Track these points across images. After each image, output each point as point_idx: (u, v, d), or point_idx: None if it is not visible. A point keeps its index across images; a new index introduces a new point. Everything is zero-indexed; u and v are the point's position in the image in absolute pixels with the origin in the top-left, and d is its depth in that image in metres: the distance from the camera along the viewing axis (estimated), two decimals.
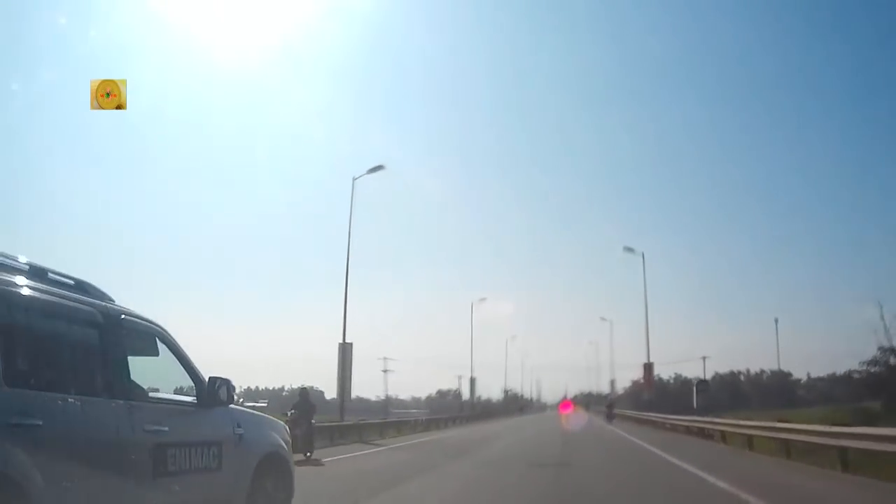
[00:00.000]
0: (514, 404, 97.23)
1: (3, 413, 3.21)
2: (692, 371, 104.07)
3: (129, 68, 67.65)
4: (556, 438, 24.34)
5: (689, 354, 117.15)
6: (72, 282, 4.24)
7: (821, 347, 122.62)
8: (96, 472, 3.73)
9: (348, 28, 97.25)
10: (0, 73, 70.45)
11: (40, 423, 3.37)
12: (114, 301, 4.54)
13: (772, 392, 76.77)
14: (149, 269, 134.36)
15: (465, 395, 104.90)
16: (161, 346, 4.95)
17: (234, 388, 5.41)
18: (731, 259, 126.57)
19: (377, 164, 30.40)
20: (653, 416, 36.95)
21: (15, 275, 3.73)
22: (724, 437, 19.72)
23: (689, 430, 25.31)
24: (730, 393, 77.50)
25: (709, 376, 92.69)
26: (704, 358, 79.61)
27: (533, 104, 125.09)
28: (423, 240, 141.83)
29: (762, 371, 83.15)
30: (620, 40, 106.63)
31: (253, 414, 6.04)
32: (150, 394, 4.77)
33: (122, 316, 4.46)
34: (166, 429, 4.42)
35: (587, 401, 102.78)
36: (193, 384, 5.19)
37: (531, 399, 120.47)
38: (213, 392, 5.10)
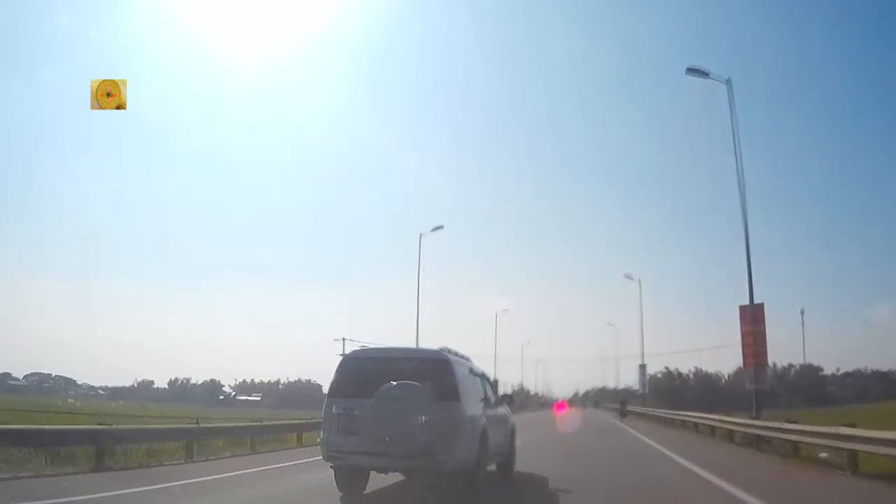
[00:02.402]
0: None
1: (486, 413, 9.57)
2: (713, 363, 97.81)
3: (133, 68, 65.69)
4: None
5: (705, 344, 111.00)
6: (467, 357, 10.34)
7: (842, 341, 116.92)
8: (498, 428, 10.30)
9: (357, 28, 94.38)
10: (1, 73, 68.64)
11: (489, 414, 9.80)
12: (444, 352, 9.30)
13: (800, 388, 71.33)
14: (147, 268, 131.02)
15: None
16: (482, 377, 10.79)
17: (511, 397, 16.15)
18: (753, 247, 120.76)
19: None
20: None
21: (470, 363, 10.23)
22: None
23: None
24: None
25: (732, 370, 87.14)
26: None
27: (551, 105, 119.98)
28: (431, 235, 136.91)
29: (790, 365, 77.27)
30: (637, 42, 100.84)
31: (508, 408, 12.60)
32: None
33: (483, 371, 10.96)
34: (500, 412, 11.09)
35: (598, 397, 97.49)
36: (494, 393, 11.47)
37: (537, 394, 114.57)
38: (503, 398, 12.49)
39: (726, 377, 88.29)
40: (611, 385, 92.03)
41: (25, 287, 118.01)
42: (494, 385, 12.59)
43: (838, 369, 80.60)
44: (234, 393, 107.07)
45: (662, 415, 37.07)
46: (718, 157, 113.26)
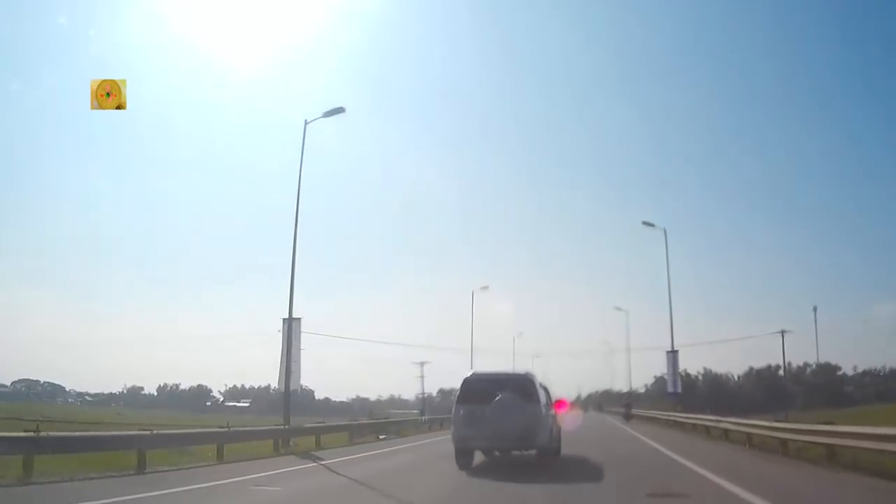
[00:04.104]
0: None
1: (548, 413, 14.16)
2: (723, 364, 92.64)
3: (133, 68, 64.55)
4: None
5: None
6: (527, 370, 15.31)
7: (845, 340, 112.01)
8: (555, 422, 15.04)
9: (356, 30, 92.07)
10: (1, 73, 67.38)
11: (549, 413, 14.56)
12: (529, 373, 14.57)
13: (817, 388, 66.75)
14: (146, 267, 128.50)
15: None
16: (545, 388, 14.77)
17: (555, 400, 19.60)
18: (758, 247, 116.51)
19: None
20: None
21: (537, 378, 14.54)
22: None
23: None
24: (768, 391, 67.50)
25: (742, 371, 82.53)
26: (783, 332, 57.76)
27: (546, 94, 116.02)
28: (432, 235, 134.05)
29: (806, 365, 72.60)
30: (634, 41, 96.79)
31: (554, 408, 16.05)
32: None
33: (545, 384, 15.15)
34: (553, 412, 15.33)
35: (601, 400, 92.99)
36: (547, 396, 14.61)
37: None
38: (552, 401, 16.21)
39: (736, 378, 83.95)
40: (616, 387, 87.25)
41: (18, 291, 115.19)
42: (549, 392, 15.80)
43: (855, 368, 75.97)
44: (222, 399, 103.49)
45: (734, 426, 20.77)
46: (717, 152, 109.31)
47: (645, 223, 37.20)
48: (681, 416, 32.12)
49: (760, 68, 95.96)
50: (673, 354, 39.43)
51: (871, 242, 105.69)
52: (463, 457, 13.26)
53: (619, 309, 59.74)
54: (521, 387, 13.30)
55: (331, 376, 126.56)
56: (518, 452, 13.77)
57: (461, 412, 13.21)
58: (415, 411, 73.09)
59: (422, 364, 75.10)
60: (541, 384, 14.25)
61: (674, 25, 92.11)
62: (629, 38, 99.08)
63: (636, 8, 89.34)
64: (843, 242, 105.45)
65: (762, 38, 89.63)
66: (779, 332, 57.04)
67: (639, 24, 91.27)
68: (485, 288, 51.67)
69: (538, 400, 13.21)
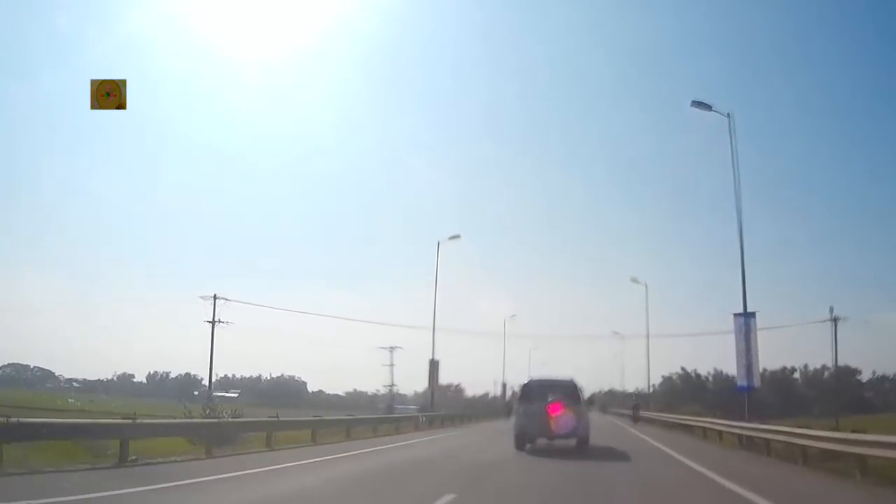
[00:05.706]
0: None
1: (584, 408, 18.12)
2: (730, 363, 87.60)
3: (135, 67, 67.12)
4: None
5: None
6: (570, 377, 18.58)
7: (864, 344, 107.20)
8: (589, 418, 18.62)
9: (364, 28, 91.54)
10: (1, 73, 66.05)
11: (584, 409, 18.22)
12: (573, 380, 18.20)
13: (836, 394, 62.46)
14: (147, 266, 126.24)
15: (469, 392, 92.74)
16: (580, 389, 18.25)
17: (592, 400, 32.98)
18: (764, 245, 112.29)
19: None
20: None
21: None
22: None
23: None
24: (782, 394, 63.29)
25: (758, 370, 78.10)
26: (836, 319, 48.45)
27: (555, 94, 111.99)
28: (433, 232, 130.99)
29: (824, 367, 68.11)
30: (646, 45, 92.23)
31: (585, 406, 18.65)
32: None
33: (579, 384, 18.36)
34: (587, 410, 18.67)
35: (605, 401, 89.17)
36: (581, 397, 17.88)
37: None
38: (588, 401, 21.29)
39: None
40: (621, 386, 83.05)
41: (17, 283, 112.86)
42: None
43: (874, 373, 71.56)
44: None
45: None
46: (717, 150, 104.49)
47: (696, 103, 23.90)
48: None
49: (765, 65, 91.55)
50: (746, 320, 22.50)
51: (881, 246, 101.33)
52: (521, 441, 16.82)
53: (635, 281, 50.83)
54: (566, 390, 17.30)
55: (333, 372, 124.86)
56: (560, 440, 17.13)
57: (521, 409, 17.26)
58: (412, 407, 68.84)
59: (391, 349, 70.74)
60: (579, 387, 18.00)
61: (680, 24, 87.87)
62: (639, 37, 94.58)
63: (646, 5, 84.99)
64: (853, 246, 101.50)
65: (766, 38, 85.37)
66: (823, 322, 49.43)
67: (646, 22, 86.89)
68: (455, 237, 42.64)
69: (580, 399, 17.35)
